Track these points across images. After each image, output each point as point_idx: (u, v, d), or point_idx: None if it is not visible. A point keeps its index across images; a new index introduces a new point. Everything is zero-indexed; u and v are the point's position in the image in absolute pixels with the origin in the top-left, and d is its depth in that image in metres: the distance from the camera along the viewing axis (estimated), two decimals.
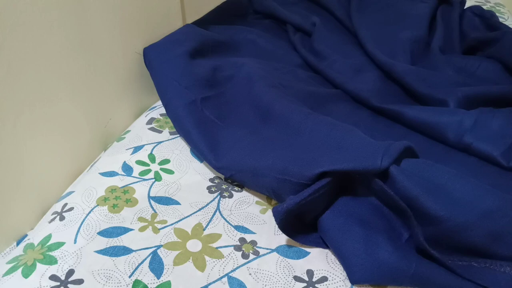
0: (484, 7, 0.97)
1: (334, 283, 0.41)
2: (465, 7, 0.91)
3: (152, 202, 0.49)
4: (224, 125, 0.56)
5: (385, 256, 0.40)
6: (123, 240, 0.44)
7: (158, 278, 0.40)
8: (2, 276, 0.40)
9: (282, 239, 0.46)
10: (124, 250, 0.43)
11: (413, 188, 0.40)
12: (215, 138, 0.54)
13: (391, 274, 0.39)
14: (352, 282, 0.40)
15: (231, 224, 0.47)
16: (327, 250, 0.45)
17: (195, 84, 0.60)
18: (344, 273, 0.42)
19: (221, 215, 0.48)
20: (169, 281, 0.40)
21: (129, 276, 0.40)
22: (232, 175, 0.51)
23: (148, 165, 0.54)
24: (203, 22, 0.80)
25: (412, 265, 0.39)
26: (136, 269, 0.41)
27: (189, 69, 0.61)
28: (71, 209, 0.47)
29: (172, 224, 0.46)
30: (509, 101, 0.60)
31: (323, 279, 0.41)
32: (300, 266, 0.43)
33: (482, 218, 0.38)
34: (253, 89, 0.59)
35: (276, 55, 0.75)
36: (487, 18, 0.85)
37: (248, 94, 0.59)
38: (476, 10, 0.88)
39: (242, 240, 0.45)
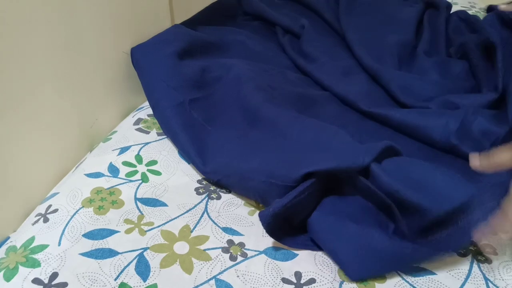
0: (470, 12, 0.99)
1: (322, 284, 0.41)
2: (451, 12, 0.92)
3: (139, 204, 0.48)
4: (212, 128, 0.56)
5: (380, 245, 0.41)
6: (108, 243, 0.43)
7: (145, 281, 0.40)
8: None
9: (270, 241, 0.45)
10: (109, 253, 0.42)
11: (394, 183, 0.42)
12: (202, 141, 0.54)
13: (390, 261, 0.41)
14: (353, 278, 0.41)
15: (219, 226, 0.47)
16: (315, 252, 0.44)
17: (184, 85, 0.59)
18: (332, 275, 0.42)
19: (209, 216, 0.48)
20: (156, 283, 0.40)
21: (115, 279, 0.40)
22: (220, 180, 0.51)
23: (135, 166, 0.54)
24: (192, 23, 0.79)
25: (408, 245, 0.40)
26: (122, 271, 0.40)
27: (178, 69, 0.61)
28: (55, 210, 0.46)
29: (159, 226, 0.46)
30: (492, 104, 0.61)
31: (311, 280, 0.41)
32: (288, 268, 0.43)
33: (461, 208, 0.40)
34: (241, 91, 0.59)
35: (265, 57, 0.75)
36: (472, 23, 0.87)
37: (236, 96, 0.59)
38: (462, 15, 0.89)
39: (230, 242, 0.45)
